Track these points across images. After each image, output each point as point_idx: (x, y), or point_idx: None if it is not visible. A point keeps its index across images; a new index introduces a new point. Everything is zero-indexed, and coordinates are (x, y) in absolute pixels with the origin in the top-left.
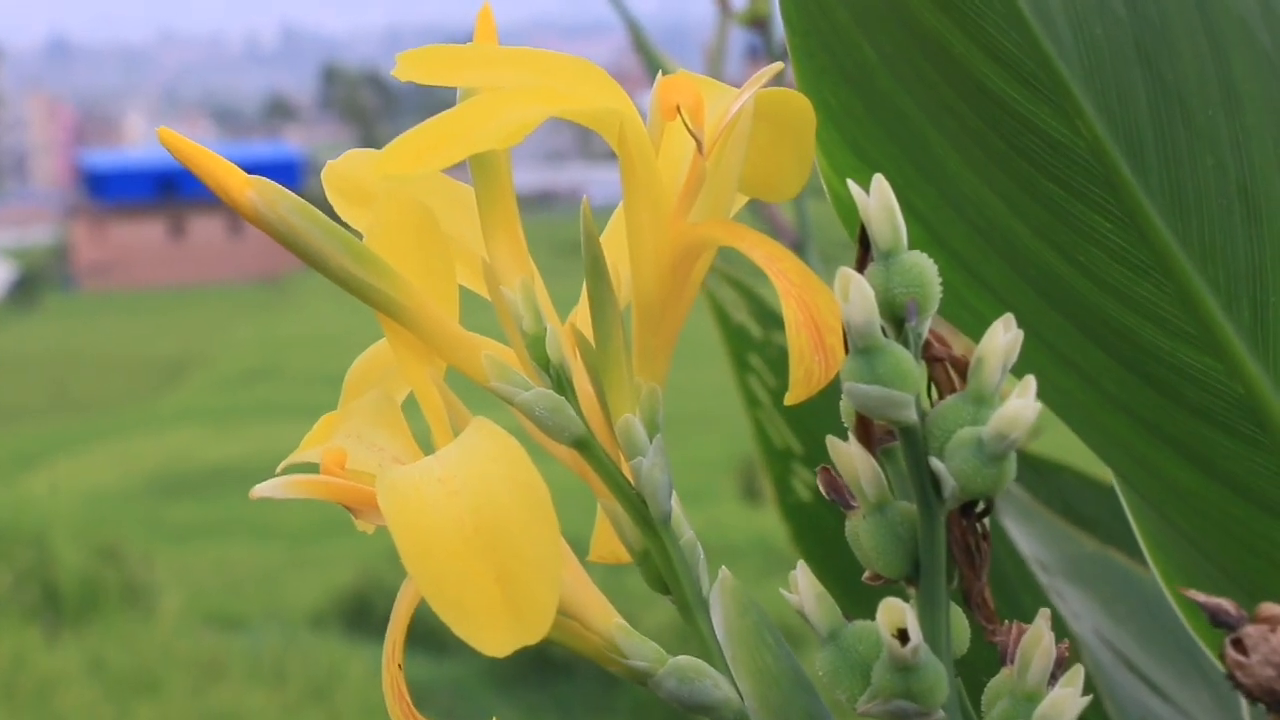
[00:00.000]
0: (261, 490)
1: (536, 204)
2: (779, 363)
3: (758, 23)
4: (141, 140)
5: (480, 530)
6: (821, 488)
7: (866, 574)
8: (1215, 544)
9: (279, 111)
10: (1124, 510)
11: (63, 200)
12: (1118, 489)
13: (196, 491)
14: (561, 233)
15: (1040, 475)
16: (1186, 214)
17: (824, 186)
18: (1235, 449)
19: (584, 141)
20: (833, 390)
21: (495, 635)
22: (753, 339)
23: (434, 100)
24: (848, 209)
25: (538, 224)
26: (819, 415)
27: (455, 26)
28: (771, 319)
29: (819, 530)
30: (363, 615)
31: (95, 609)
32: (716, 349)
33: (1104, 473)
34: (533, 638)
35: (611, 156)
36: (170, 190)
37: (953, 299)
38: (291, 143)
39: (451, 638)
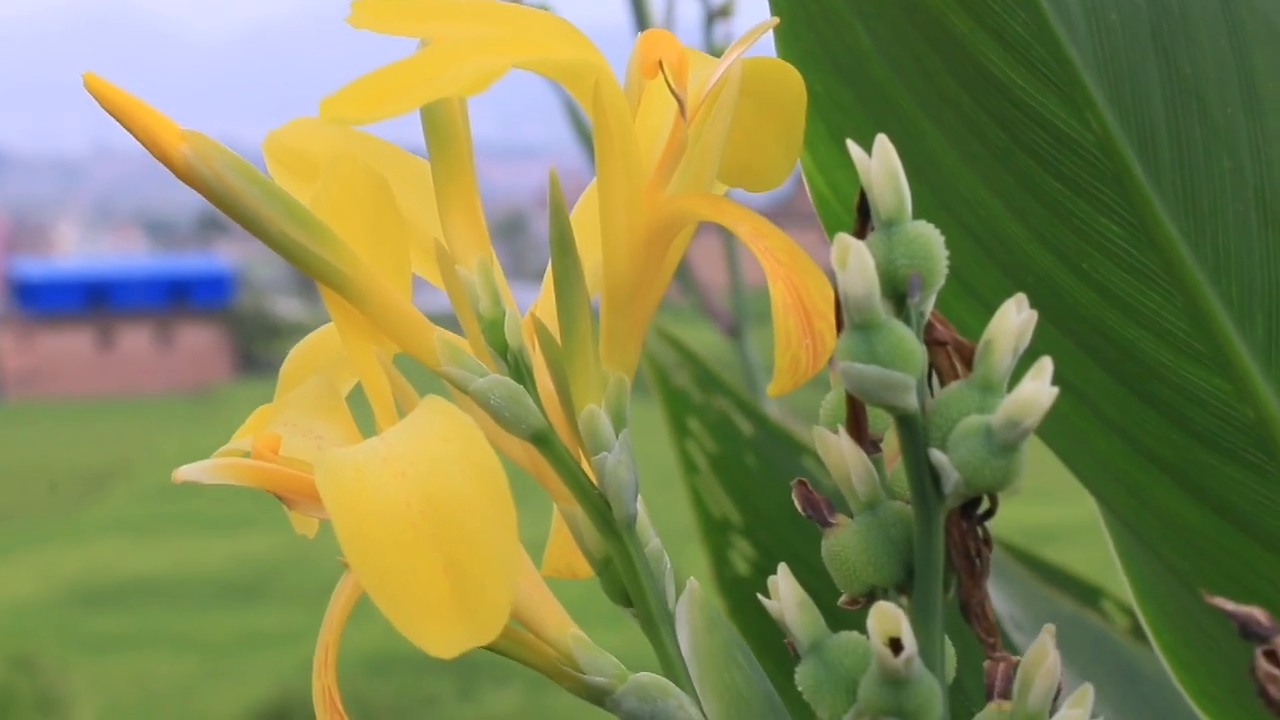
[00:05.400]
0: (186, 473)
1: None
2: (719, 427)
3: None
4: (73, 251)
5: (429, 516)
6: (797, 503)
7: (844, 598)
8: (1212, 585)
9: (211, 225)
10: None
11: None
12: (1103, 526)
13: (116, 603)
14: None
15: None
16: (1200, 219)
17: (805, 183)
18: (1241, 479)
19: (517, 260)
20: (774, 461)
21: (442, 632)
22: (693, 403)
23: None
24: (832, 213)
25: None
26: (759, 485)
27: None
28: (712, 383)
29: (758, 604)
30: None
31: None
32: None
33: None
34: (484, 637)
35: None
36: (100, 300)
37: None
38: (223, 256)
39: None
